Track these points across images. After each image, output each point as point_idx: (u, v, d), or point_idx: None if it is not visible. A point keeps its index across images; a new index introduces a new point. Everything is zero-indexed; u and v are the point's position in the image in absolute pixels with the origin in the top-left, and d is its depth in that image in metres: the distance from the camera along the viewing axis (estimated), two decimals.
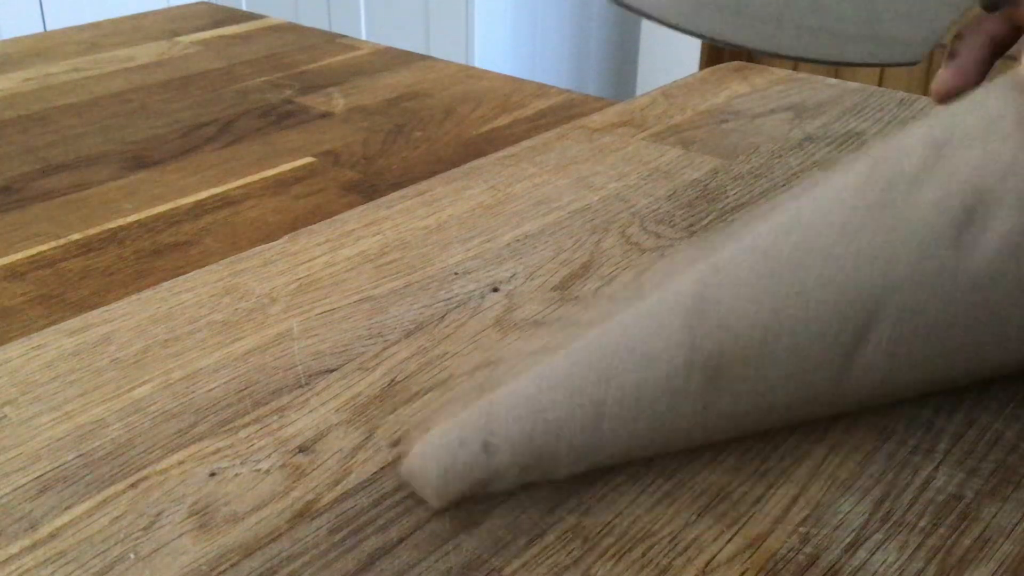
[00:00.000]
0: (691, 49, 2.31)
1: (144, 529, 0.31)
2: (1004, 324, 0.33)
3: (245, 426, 0.35)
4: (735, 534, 0.30)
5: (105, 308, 0.43)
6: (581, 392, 0.31)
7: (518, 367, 0.33)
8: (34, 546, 0.30)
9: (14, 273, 0.46)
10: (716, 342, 0.31)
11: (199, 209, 0.52)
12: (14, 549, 0.30)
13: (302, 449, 0.34)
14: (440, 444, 0.31)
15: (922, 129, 0.34)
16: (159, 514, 0.31)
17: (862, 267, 0.32)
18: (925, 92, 0.53)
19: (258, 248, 0.48)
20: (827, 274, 0.32)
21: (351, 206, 0.52)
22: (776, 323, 0.31)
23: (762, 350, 0.31)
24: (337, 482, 0.32)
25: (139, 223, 0.51)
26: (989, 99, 0.35)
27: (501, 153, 0.58)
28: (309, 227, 0.50)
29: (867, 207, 0.32)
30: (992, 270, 0.32)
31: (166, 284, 0.45)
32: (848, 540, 0.30)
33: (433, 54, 0.81)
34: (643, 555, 0.30)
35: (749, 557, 0.30)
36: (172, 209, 0.52)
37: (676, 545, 0.30)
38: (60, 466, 0.33)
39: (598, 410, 0.31)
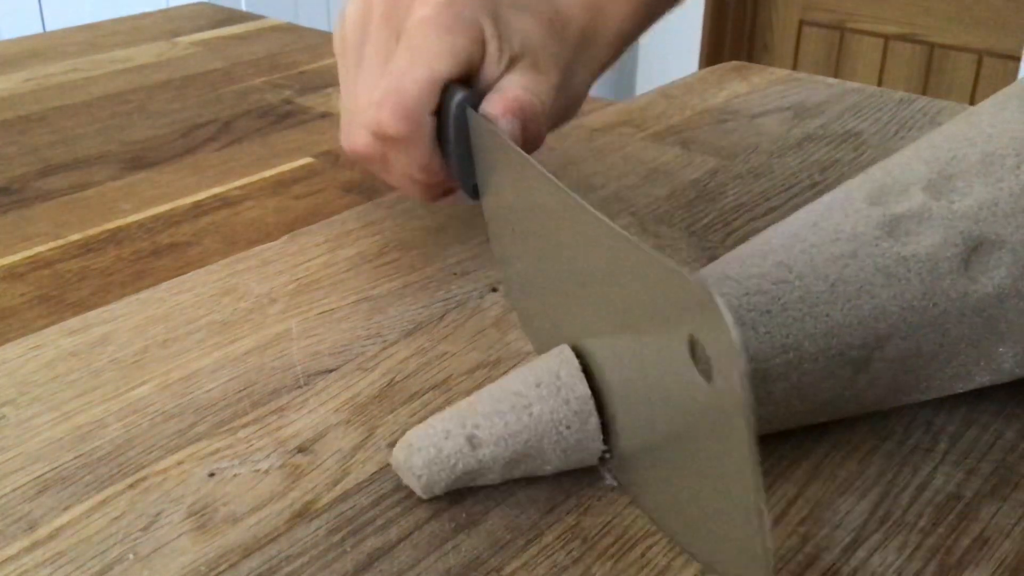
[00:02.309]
0: (690, 49, 2.31)
1: (143, 529, 0.31)
2: (1008, 342, 0.33)
3: (244, 426, 0.35)
4: None
5: (104, 308, 0.43)
6: (570, 388, 0.31)
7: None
8: (33, 547, 0.30)
9: (13, 274, 0.46)
10: None
11: (198, 209, 0.52)
12: (12, 550, 0.30)
13: (301, 449, 0.34)
14: (426, 435, 0.31)
15: (922, 167, 0.34)
16: (158, 514, 0.31)
17: (872, 289, 0.32)
18: (925, 92, 0.53)
19: (257, 248, 0.48)
20: (837, 293, 0.32)
21: (350, 206, 0.52)
22: (784, 337, 0.31)
23: (767, 364, 0.31)
24: (336, 482, 0.32)
25: (138, 223, 0.51)
26: (993, 129, 0.35)
27: None
28: (308, 227, 0.50)
29: (875, 239, 0.32)
30: (1000, 294, 0.32)
31: (165, 284, 0.45)
32: (847, 540, 0.30)
33: None
34: (642, 555, 0.30)
35: None
36: (171, 209, 0.52)
37: (675, 545, 0.30)
38: (59, 466, 0.33)
39: (585, 406, 0.31)
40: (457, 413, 0.32)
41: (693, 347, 0.24)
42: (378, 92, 0.41)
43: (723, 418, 0.24)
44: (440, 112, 0.41)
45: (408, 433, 0.32)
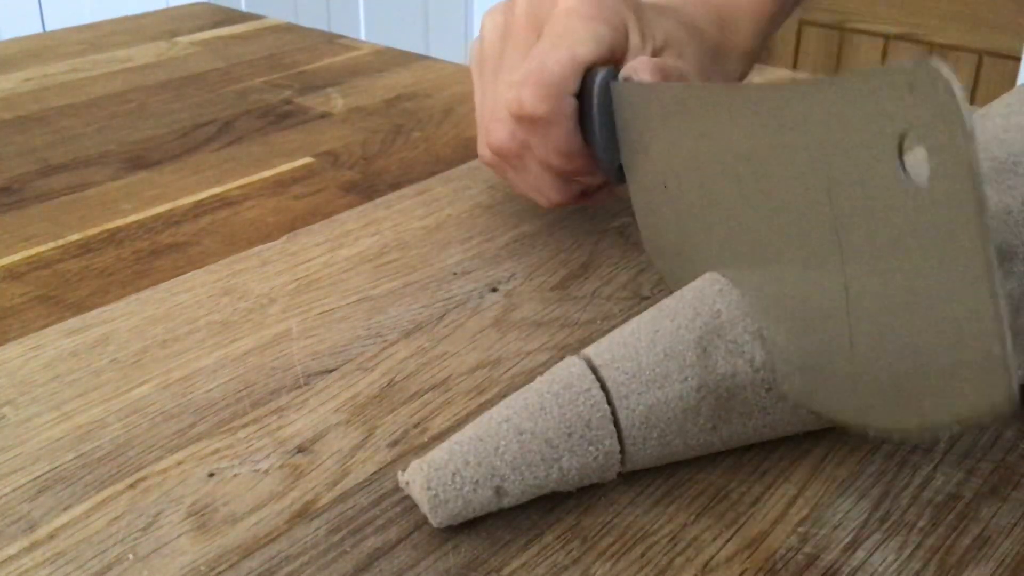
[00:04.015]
0: None
1: (143, 530, 0.31)
2: (1019, 352, 0.33)
3: (244, 426, 0.35)
4: (734, 534, 0.30)
5: (104, 308, 0.43)
6: (599, 442, 0.31)
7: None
8: (32, 547, 0.30)
9: (13, 274, 0.46)
10: (731, 365, 0.31)
11: (198, 209, 0.52)
12: (12, 550, 0.30)
13: (301, 449, 0.34)
14: (452, 484, 0.30)
15: None
16: (158, 514, 0.31)
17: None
18: None
19: (257, 248, 0.48)
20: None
21: (350, 206, 0.52)
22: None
23: (776, 375, 0.31)
24: (336, 482, 0.32)
25: (138, 223, 0.51)
26: (1006, 134, 0.34)
27: None
28: (308, 227, 0.50)
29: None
30: (1011, 305, 0.32)
31: (165, 284, 0.45)
32: (847, 540, 0.30)
33: (432, 54, 0.81)
34: (642, 555, 0.30)
35: (748, 557, 0.30)
36: (171, 209, 0.52)
37: (675, 545, 0.30)
38: (59, 466, 0.33)
39: (611, 460, 0.31)
40: (483, 457, 0.30)
41: (903, 149, 0.23)
42: (519, 74, 0.41)
43: (948, 213, 0.22)
44: (582, 97, 0.41)
45: (430, 471, 0.30)
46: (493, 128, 0.43)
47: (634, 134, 0.40)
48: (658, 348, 0.31)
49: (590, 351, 0.32)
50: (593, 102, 0.40)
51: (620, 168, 0.42)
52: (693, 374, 0.31)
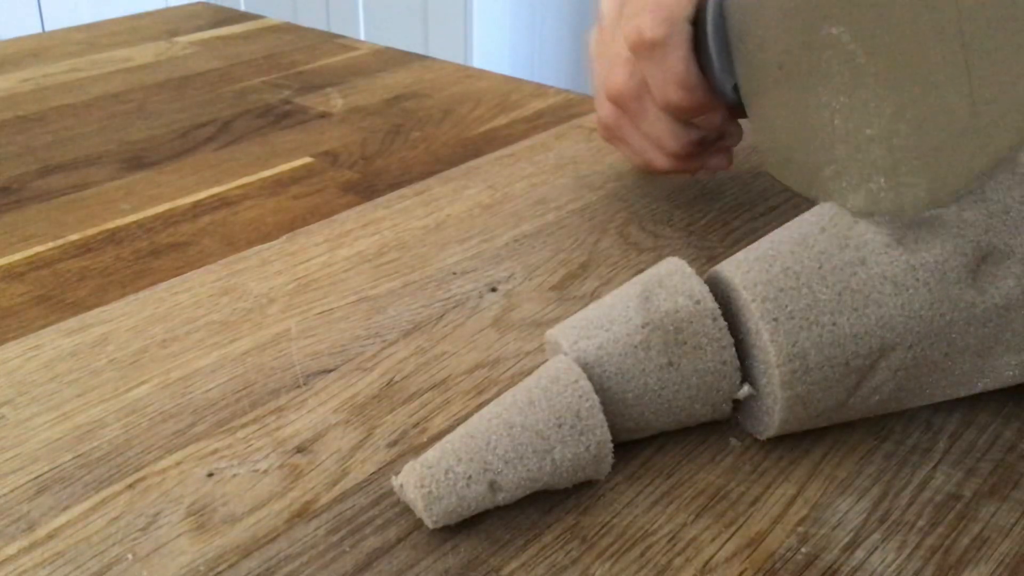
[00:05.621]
0: None
1: (142, 530, 0.31)
2: (1012, 352, 0.33)
3: (243, 426, 0.35)
4: (733, 534, 0.30)
5: (103, 308, 0.43)
6: (591, 431, 0.31)
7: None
8: (32, 547, 0.30)
9: (12, 274, 0.46)
10: (672, 303, 0.33)
11: (197, 209, 0.52)
12: (12, 550, 0.30)
13: (300, 449, 0.34)
14: (446, 481, 0.30)
15: None
16: (157, 515, 0.31)
17: (880, 298, 0.32)
18: None
19: (256, 248, 0.48)
20: (844, 302, 0.32)
21: (349, 206, 0.52)
22: (790, 347, 0.31)
23: (772, 372, 0.32)
24: (335, 482, 0.32)
25: (137, 223, 0.51)
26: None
27: (499, 153, 0.58)
28: (307, 227, 0.50)
29: (884, 246, 0.32)
30: (1007, 304, 0.32)
31: (164, 284, 0.44)
32: (846, 540, 0.30)
33: (431, 54, 0.81)
34: (641, 555, 0.30)
35: (747, 556, 0.30)
36: (170, 209, 0.52)
37: (674, 545, 0.30)
38: (58, 467, 0.33)
39: (603, 450, 0.31)
40: (476, 452, 0.30)
41: None
42: (637, 5, 0.42)
43: None
44: (696, 24, 0.42)
45: (423, 469, 0.30)
46: (612, 74, 0.45)
47: (749, 38, 0.40)
48: (604, 305, 0.34)
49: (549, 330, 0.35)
50: (708, 23, 0.42)
51: (736, 90, 0.42)
52: (636, 314, 0.33)
